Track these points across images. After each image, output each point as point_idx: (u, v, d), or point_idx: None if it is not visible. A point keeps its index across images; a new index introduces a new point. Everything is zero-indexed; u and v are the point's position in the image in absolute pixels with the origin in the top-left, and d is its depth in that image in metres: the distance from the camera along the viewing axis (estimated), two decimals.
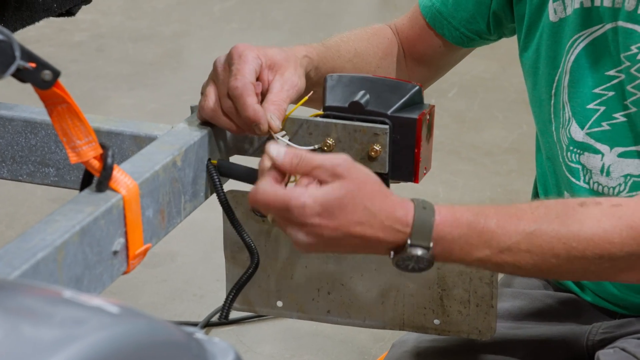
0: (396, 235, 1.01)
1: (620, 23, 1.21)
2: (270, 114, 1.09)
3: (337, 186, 0.99)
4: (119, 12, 4.50)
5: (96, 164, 0.97)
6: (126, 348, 0.62)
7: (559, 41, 1.28)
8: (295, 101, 1.16)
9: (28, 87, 0.93)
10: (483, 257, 1.03)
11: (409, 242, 1.01)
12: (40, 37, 4.09)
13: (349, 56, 1.33)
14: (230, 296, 1.13)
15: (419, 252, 1.01)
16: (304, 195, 0.98)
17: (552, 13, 1.28)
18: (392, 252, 1.02)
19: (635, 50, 1.21)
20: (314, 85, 1.21)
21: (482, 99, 3.65)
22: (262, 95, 1.12)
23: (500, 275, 1.30)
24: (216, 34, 4.34)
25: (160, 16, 4.49)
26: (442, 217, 1.01)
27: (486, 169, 3.20)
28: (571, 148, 1.29)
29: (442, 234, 1.01)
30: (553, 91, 1.31)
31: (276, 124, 1.10)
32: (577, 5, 1.25)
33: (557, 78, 1.30)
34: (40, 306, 0.64)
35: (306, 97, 1.16)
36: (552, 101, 1.31)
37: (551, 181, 1.35)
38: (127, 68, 3.92)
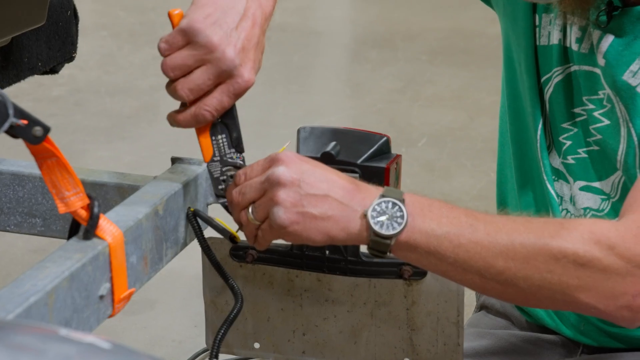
0: (367, 190, 1.07)
1: (585, 67, 1.29)
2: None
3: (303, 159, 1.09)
4: (96, 67, 4.56)
5: (83, 213, 1.03)
6: None
7: (542, 67, 1.35)
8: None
9: (13, 143, 0.98)
10: (456, 232, 1.05)
11: (382, 193, 1.06)
12: (18, 92, 4.13)
13: None
14: (219, 336, 1.19)
15: (393, 199, 1.05)
16: (280, 166, 1.07)
17: (538, 37, 1.35)
18: (367, 210, 1.06)
19: (602, 96, 1.27)
20: None
21: (450, 148, 3.72)
22: None
23: (466, 317, 1.36)
24: None
25: (137, 70, 4.56)
26: (410, 193, 1.08)
27: None
28: (556, 172, 1.36)
29: (413, 198, 1.07)
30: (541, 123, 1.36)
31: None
32: (556, 41, 1.32)
33: (541, 108, 1.35)
34: (38, 343, 0.70)
35: (284, 147, 1.23)
36: (541, 123, 1.36)
37: (527, 199, 1.40)
38: (105, 121, 3.97)
